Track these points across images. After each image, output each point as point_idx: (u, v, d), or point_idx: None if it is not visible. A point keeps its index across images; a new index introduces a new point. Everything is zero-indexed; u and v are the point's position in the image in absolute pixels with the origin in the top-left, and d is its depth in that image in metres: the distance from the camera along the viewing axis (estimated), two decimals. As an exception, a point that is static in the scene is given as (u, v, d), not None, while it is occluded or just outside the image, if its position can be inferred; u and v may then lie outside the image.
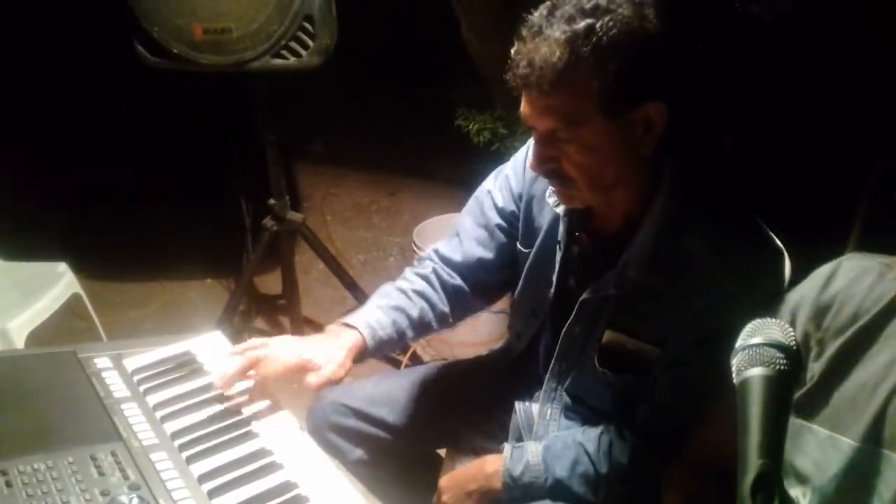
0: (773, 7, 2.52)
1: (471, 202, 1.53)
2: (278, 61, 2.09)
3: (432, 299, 1.49)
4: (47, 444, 1.06)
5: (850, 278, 0.89)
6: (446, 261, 1.53)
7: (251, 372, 1.26)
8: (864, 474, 0.68)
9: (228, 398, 1.24)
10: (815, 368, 0.90)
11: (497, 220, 1.48)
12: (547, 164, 1.24)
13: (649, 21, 1.15)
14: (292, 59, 2.08)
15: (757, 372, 0.62)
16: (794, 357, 0.63)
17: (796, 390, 0.91)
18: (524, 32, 1.18)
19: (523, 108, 1.22)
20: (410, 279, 1.51)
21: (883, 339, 0.81)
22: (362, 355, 1.38)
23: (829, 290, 0.92)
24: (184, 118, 3.64)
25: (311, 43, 2.06)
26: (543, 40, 1.15)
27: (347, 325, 1.38)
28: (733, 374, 0.64)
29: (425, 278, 1.51)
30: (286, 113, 2.67)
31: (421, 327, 1.48)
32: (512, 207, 1.46)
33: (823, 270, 0.95)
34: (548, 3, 1.20)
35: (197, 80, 2.26)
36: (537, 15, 1.19)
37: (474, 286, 1.53)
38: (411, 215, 3.54)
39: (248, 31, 2.04)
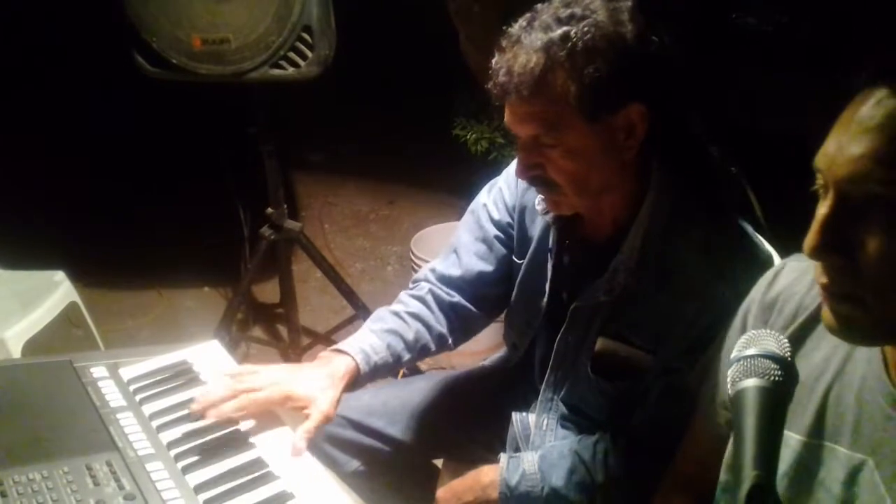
0: (769, 18, 2.54)
1: (466, 217, 1.54)
2: (277, 71, 2.09)
3: (428, 321, 1.49)
4: (42, 454, 1.06)
5: (792, 278, 0.91)
6: (444, 279, 1.52)
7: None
8: (811, 468, 0.71)
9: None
10: None
11: (494, 231, 1.48)
12: (532, 171, 1.26)
13: (625, 26, 1.18)
14: (291, 70, 2.09)
15: (752, 383, 0.62)
16: (789, 368, 0.63)
17: None
18: (503, 43, 1.22)
19: (506, 116, 1.25)
20: (405, 301, 1.51)
21: (818, 335, 0.83)
22: (356, 382, 1.36)
23: (773, 289, 0.94)
24: (182, 127, 3.65)
25: (309, 53, 2.07)
26: (521, 49, 1.18)
27: (340, 350, 1.37)
28: (728, 386, 0.64)
29: (420, 299, 1.51)
30: (285, 123, 2.67)
31: (418, 350, 1.47)
32: (507, 219, 1.47)
33: (771, 271, 0.96)
34: (527, 14, 1.23)
35: (195, 90, 2.27)
36: (517, 26, 1.22)
37: (475, 300, 1.53)
38: (410, 224, 3.55)
39: (246, 42, 2.05)
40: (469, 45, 2.72)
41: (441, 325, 1.50)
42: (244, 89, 2.25)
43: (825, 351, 0.67)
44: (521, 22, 1.22)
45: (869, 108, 0.70)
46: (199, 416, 1.18)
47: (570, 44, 1.15)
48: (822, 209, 0.72)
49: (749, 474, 0.58)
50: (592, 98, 1.17)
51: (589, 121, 1.18)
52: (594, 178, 1.24)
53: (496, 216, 1.48)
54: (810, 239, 0.72)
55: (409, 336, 1.45)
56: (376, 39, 3.50)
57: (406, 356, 1.45)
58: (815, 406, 0.82)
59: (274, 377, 1.27)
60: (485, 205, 1.50)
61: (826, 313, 0.76)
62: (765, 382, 0.62)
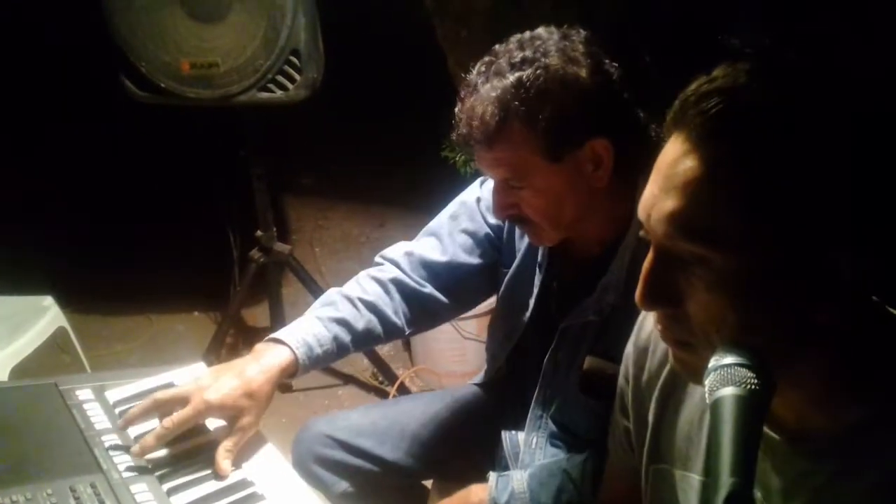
0: (751, 40, 2.58)
1: (457, 208, 1.51)
2: (265, 95, 2.11)
3: (384, 311, 1.43)
4: (27, 476, 1.05)
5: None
6: (423, 262, 1.48)
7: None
8: None
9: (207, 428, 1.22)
10: (651, 410, 0.93)
11: (486, 229, 1.49)
12: (507, 211, 1.30)
13: (578, 63, 1.20)
14: (279, 93, 2.11)
15: (729, 391, 0.63)
16: (765, 377, 0.63)
17: (644, 435, 0.94)
18: (462, 92, 1.25)
19: (476, 160, 1.28)
20: (364, 285, 1.44)
21: None
22: (292, 375, 1.30)
23: (643, 331, 0.96)
24: (171, 151, 3.66)
25: (297, 77, 2.09)
26: (478, 99, 1.21)
27: (278, 340, 1.30)
28: (706, 395, 0.64)
29: (382, 284, 1.45)
30: (276, 146, 2.69)
31: (367, 340, 1.42)
32: (499, 222, 1.48)
33: (641, 315, 0.98)
34: (485, 58, 1.25)
35: (185, 113, 2.29)
36: (474, 73, 1.25)
37: (448, 290, 1.49)
38: (400, 247, 3.55)
39: (234, 66, 2.07)
40: (457, 69, 2.74)
41: (397, 316, 1.44)
42: (233, 112, 2.27)
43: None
44: (480, 67, 1.24)
45: (674, 161, 0.70)
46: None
47: (522, 90, 1.18)
48: (647, 261, 0.74)
49: (726, 482, 0.58)
50: (551, 140, 1.19)
51: (552, 161, 1.21)
52: (567, 212, 1.26)
53: (490, 219, 1.48)
54: (638, 291, 0.74)
55: (360, 326, 1.39)
56: (365, 63, 3.53)
57: (352, 348, 1.39)
58: (705, 443, 0.84)
59: (196, 386, 1.19)
60: (479, 199, 1.49)
61: (671, 357, 0.79)
62: (741, 391, 0.62)
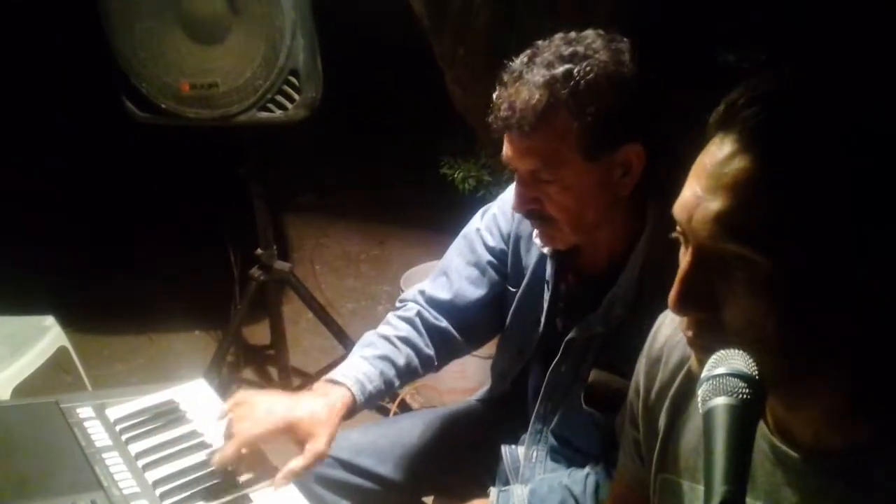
0: (748, 55, 2.60)
1: (459, 242, 1.53)
2: (264, 114, 2.13)
3: (417, 344, 1.47)
4: (28, 495, 1.05)
5: (673, 328, 0.91)
6: (433, 301, 1.51)
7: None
8: None
9: (208, 445, 1.23)
10: (662, 421, 0.93)
11: (488, 257, 1.49)
12: (529, 205, 1.28)
13: (626, 66, 1.20)
14: (278, 113, 2.12)
15: (721, 401, 0.63)
16: (757, 386, 0.64)
17: (653, 446, 0.94)
18: (505, 78, 1.23)
19: (505, 150, 1.26)
20: (395, 324, 1.50)
21: None
22: (352, 413, 1.35)
23: (657, 342, 0.95)
24: (171, 171, 3.68)
25: (296, 96, 2.11)
26: (524, 84, 1.19)
27: (335, 381, 1.34)
28: (699, 405, 0.65)
29: (409, 322, 1.49)
30: (276, 165, 2.71)
31: (408, 374, 1.46)
32: (501, 246, 1.48)
33: (656, 324, 0.97)
34: (528, 50, 1.25)
35: (185, 133, 2.30)
36: (518, 62, 1.24)
37: (462, 328, 1.52)
38: (400, 264, 3.55)
39: (234, 86, 2.09)
40: (455, 86, 2.77)
41: (429, 348, 1.49)
42: (233, 132, 2.29)
43: None
44: (522, 58, 1.23)
45: (721, 162, 0.69)
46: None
47: (572, 82, 1.17)
48: (683, 264, 0.72)
49: (719, 490, 0.59)
50: (592, 137, 1.18)
51: (587, 159, 1.20)
52: (589, 214, 1.26)
53: (491, 242, 1.49)
54: (673, 294, 0.72)
55: (401, 362, 1.44)
56: (364, 82, 3.56)
57: (397, 382, 1.44)
58: None
59: (270, 407, 1.25)
60: (478, 230, 1.50)
61: (693, 363, 0.77)
62: (733, 400, 0.63)
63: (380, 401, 1.44)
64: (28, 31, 3.70)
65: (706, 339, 0.72)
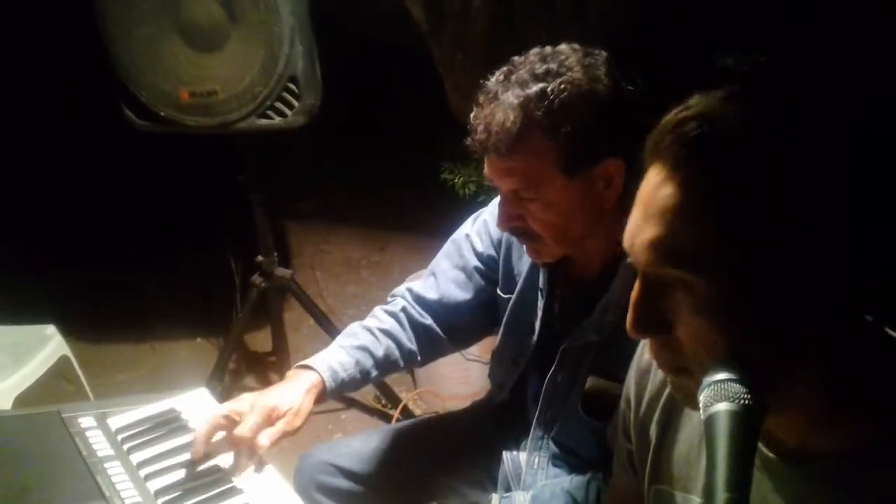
0: (747, 58, 2.59)
1: (448, 246, 1.55)
2: (264, 121, 2.13)
3: (399, 338, 1.50)
4: (30, 505, 1.05)
5: None
6: (420, 300, 1.53)
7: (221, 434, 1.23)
8: None
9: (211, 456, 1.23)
10: (653, 432, 0.93)
11: (475, 262, 1.50)
12: (513, 222, 1.29)
13: (601, 82, 1.21)
14: (277, 120, 2.13)
15: (723, 407, 0.63)
16: (758, 392, 0.64)
17: (646, 457, 0.95)
18: (481, 98, 1.25)
19: (486, 169, 1.27)
20: (379, 317, 1.52)
21: None
22: (322, 397, 1.37)
23: (645, 353, 0.96)
24: (171, 178, 3.68)
25: (295, 103, 2.11)
26: (498, 105, 1.20)
27: (307, 367, 1.37)
28: (700, 411, 0.65)
29: (394, 316, 1.52)
30: (276, 171, 2.71)
31: (386, 366, 1.48)
32: (491, 252, 1.49)
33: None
34: (504, 68, 1.26)
35: (185, 140, 2.31)
36: (493, 80, 1.25)
37: (447, 328, 1.54)
38: (401, 269, 3.55)
39: (233, 94, 2.09)
40: (454, 91, 2.77)
41: (411, 343, 1.51)
42: (233, 139, 2.29)
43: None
44: (498, 76, 1.24)
45: (653, 189, 0.72)
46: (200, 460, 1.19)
47: (546, 101, 1.18)
48: (634, 290, 0.75)
49: (721, 497, 0.59)
50: (570, 154, 1.19)
51: (567, 175, 1.21)
52: (574, 228, 1.26)
53: (479, 248, 1.49)
54: (629, 319, 0.75)
55: (379, 353, 1.46)
56: (363, 87, 3.57)
57: (374, 372, 1.46)
58: (703, 467, 0.81)
59: (249, 400, 1.27)
60: (468, 235, 1.51)
61: (669, 383, 0.80)
62: (735, 406, 0.63)
63: (354, 389, 1.46)
64: (28, 33, 3.70)
65: (669, 358, 0.75)
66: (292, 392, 1.31)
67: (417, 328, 1.52)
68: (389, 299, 1.58)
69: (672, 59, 2.25)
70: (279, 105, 2.11)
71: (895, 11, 2.01)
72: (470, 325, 1.55)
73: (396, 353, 1.49)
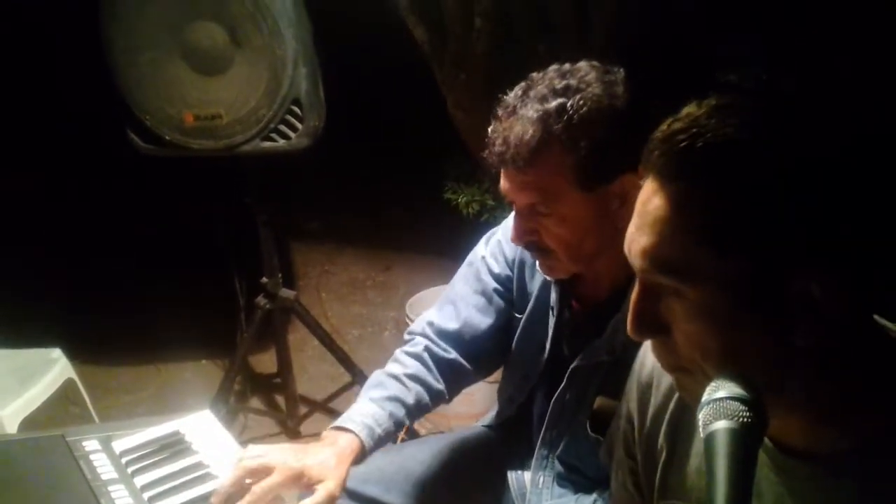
0: (750, 75, 2.61)
1: (464, 270, 1.54)
2: (268, 144, 2.14)
3: (427, 381, 1.47)
4: (33, 530, 1.06)
5: None
6: (441, 333, 1.51)
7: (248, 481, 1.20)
8: None
9: (214, 476, 1.22)
10: (661, 446, 0.93)
11: (494, 284, 1.49)
12: (527, 237, 1.28)
13: (619, 98, 1.21)
14: (281, 142, 2.14)
15: (722, 425, 0.63)
16: (758, 409, 0.64)
17: (653, 472, 0.95)
18: (499, 112, 1.24)
19: (502, 184, 1.27)
20: (403, 361, 1.49)
21: None
22: (362, 458, 1.34)
23: (645, 368, 0.97)
24: (176, 200, 3.71)
25: (299, 125, 2.12)
26: (517, 119, 1.20)
27: (343, 428, 1.33)
28: (700, 429, 0.65)
29: (418, 357, 1.49)
30: (281, 193, 2.72)
31: (418, 411, 1.46)
32: (507, 272, 1.48)
33: (641, 352, 0.99)
34: (522, 84, 1.26)
35: (189, 162, 2.32)
36: (512, 95, 1.25)
37: (471, 356, 1.51)
38: (406, 289, 3.56)
39: (237, 117, 2.11)
40: (457, 111, 2.79)
41: (438, 383, 1.48)
42: (237, 162, 2.30)
43: None
44: (517, 91, 1.25)
45: (645, 200, 0.75)
46: None
47: (566, 116, 1.18)
48: (633, 294, 0.78)
49: (722, 514, 0.59)
50: (587, 170, 1.19)
51: (584, 191, 1.21)
52: (587, 245, 1.26)
53: (496, 269, 1.49)
54: (629, 321, 0.78)
55: (410, 400, 1.43)
56: (366, 108, 3.59)
57: (407, 421, 1.43)
58: None
59: (282, 457, 1.23)
60: (483, 258, 1.50)
61: (674, 381, 0.82)
62: (734, 424, 0.63)
63: (389, 441, 1.43)
64: (30, 39, 3.73)
65: (669, 358, 0.77)
66: (331, 456, 1.27)
67: (442, 366, 1.49)
68: (407, 337, 1.55)
69: (674, 76, 2.26)
70: (283, 128, 2.13)
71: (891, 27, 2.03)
72: (492, 350, 1.52)
73: (426, 397, 1.46)
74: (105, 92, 2.16)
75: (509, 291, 1.49)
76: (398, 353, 1.52)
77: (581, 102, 1.18)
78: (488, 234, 1.54)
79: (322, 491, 1.21)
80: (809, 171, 0.68)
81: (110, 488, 1.17)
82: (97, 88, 2.22)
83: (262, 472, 1.19)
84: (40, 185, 3.80)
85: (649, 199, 0.73)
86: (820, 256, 0.68)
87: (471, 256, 1.54)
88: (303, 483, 1.22)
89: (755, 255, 0.68)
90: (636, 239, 0.75)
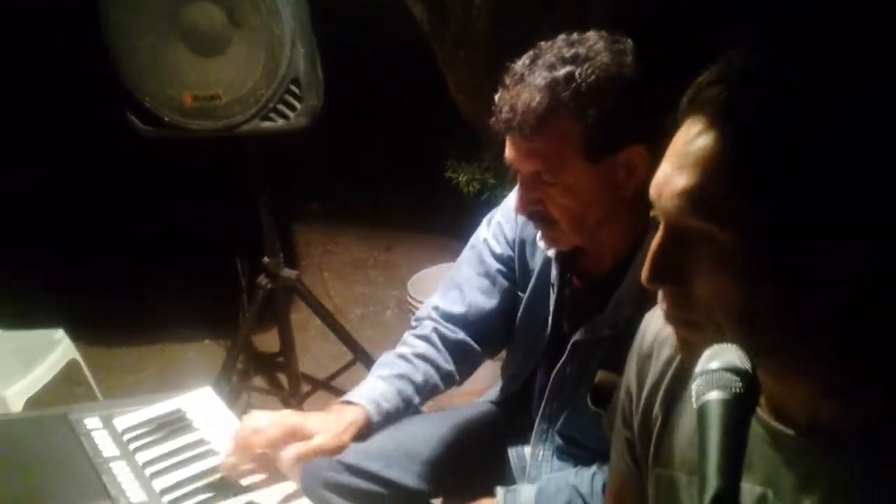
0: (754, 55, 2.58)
1: (467, 253, 1.54)
2: (267, 124, 2.14)
3: (436, 360, 1.47)
4: (38, 506, 1.07)
5: (661, 322, 0.91)
6: (447, 315, 1.52)
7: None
8: None
9: (215, 452, 1.24)
10: (655, 416, 0.93)
11: (497, 265, 1.49)
12: (531, 206, 1.28)
13: (628, 67, 1.20)
14: (280, 122, 2.13)
15: (714, 396, 0.63)
16: (750, 381, 0.64)
17: (648, 442, 0.94)
18: (507, 80, 1.24)
19: (507, 151, 1.26)
20: (411, 343, 1.50)
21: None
22: (368, 431, 1.34)
23: (646, 339, 0.96)
24: (177, 181, 3.71)
25: (298, 105, 2.12)
26: (525, 87, 1.20)
27: (350, 402, 1.34)
28: (693, 399, 0.65)
29: (426, 339, 1.49)
30: (282, 173, 2.72)
31: (428, 391, 1.46)
32: (508, 252, 1.48)
33: (643, 322, 0.98)
34: (530, 52, 1.25)
35: (190, 143, 2.32)
36: (520, 63, 1.24)
37: (479, 337, 1.52)
38: (408, 268, 3.56)
39: (236, 97, 2.10)
40: (457, 89, 2.78)
41: (448, 364, 1.49)
42: (237, 142, 2.30)
43: None
44: (525, 59, 1.23)
45: (688, 141, 0.72)
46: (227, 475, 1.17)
47: (574, 84, 1.17)
48: (655, 240, 0.75)
49: (712, 483, 0.59)
50: (594, 139, 1.18)
51: (589, 160, 1.20)
52: (592, 215, 1.26)
53: (498, 250, 1.49)
54: (645, 268, 0.75)
55: (419, 378, 1.43)
56: (367, 88, 3.58)
57: (416, 399, 1.44)
58: None
59: (280, 415, 1.25)
60: (485, 239, 1.51)
61: (673, 337, 0.80)
62: (726, 395, 0.63)
63: (400, 419, 1.44)
64: (30, 39, 3.73)
65: (680, 311, 0.75)
66: (334, 421, 1.29)
67: (451, 346, 1.49)
68: (415, 323, 1.56)
69: (675, 55, 2.25)
70: (282, 107, 2.12)
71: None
72: (499, 330, 1.52)
73: (435, 376, 1.46)
74: (105, 92, 2.15)
75: (512, 271, 1.49)
76: (407, 335, 1.53)
77: (590, 71, 1.17)
78: (489, 215, 1.54)
79: (315, 441, 1.22)
80: (874, 136, 0.66)
81: (112, 465, 1.18)
82: (97, 88, 2.22)
83: (262, 433, 1.20)
84: (40, 185, 3.81)
85: (693, 140, 0.70)
86: (864, 218, 0.67)
87: (473, 239, 1.54)
88: (300, 437, 1.22)
89: (793, 209, 0.66)
90: (673, 180, 0.72)
